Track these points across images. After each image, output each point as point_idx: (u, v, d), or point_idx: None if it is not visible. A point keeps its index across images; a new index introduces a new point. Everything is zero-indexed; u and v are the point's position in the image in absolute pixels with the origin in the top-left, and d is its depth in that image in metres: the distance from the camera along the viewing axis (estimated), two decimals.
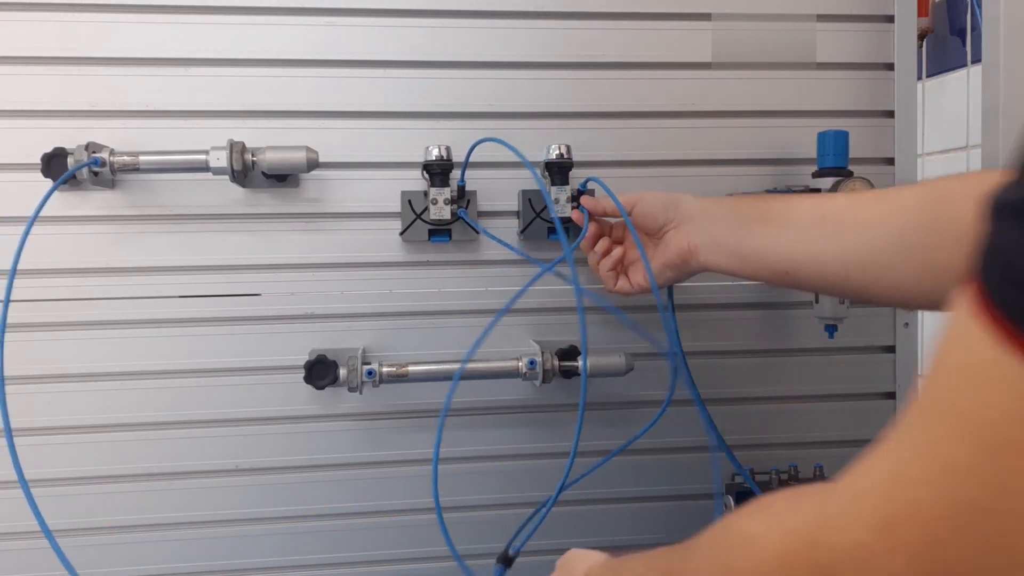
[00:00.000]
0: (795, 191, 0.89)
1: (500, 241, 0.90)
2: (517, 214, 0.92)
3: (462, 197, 0.88)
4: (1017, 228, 0.27)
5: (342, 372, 0.86)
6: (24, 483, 0.72)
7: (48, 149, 0.83)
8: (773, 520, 0.35)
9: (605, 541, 0.90)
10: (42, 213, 0.85)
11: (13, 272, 0.73)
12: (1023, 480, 0.26)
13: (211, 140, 0.84)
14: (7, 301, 0.74)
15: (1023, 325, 0.26)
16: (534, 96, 0.92)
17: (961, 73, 1.16)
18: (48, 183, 0.84)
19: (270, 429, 0.90)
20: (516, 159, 0.91)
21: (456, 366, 0.85)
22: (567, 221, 0.89)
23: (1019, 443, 0.26)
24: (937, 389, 0.30)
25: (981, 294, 0.28)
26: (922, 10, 1.12)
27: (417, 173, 0.89)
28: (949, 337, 0.29)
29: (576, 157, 0.88)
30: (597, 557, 0.63)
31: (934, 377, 0.30)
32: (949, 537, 0.28)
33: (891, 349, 0.99)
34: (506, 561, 0.80)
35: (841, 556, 0.31)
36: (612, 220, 0.86)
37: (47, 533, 0.72)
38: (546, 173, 0.89)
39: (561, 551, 0.94)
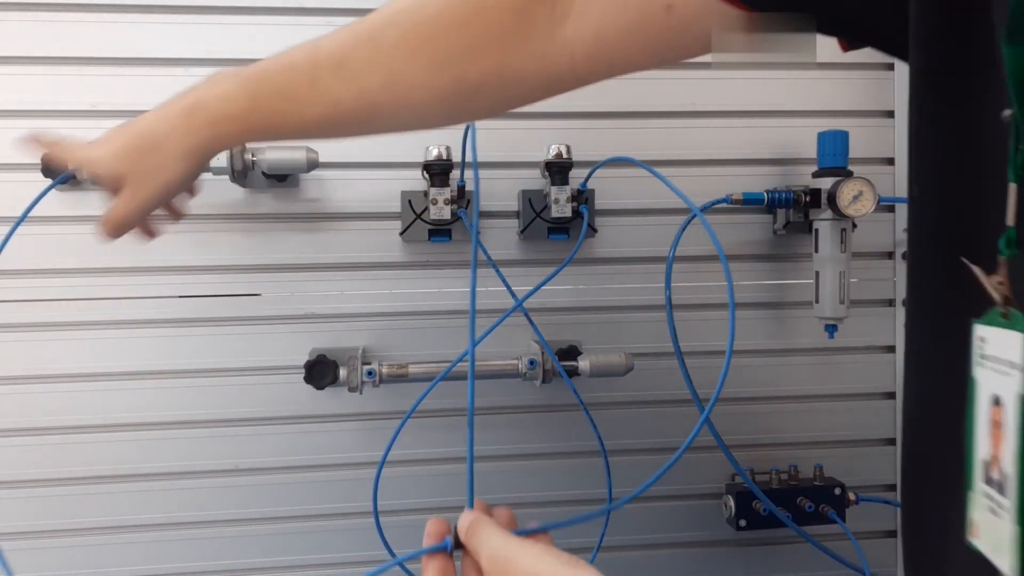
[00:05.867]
0: (795, 191, 0.89)
1: (485, 252, 0.90)
2: (517, 214, 0.92)
3: (462, 197, 0.88)
4: None
5: (342, 372, 0.86)
6: None
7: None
8: None
9: (606, 541, 0.90)
10: (41, 213, 0.85)
11: None
12: None
13: None
14: None
15: None
16: None
17: None
18: (48, 183, 0.84)
19: (270, 429, 0.90)
20: (516, 159, 0.91)
21: (457, 366, 0.85)
22: (566, 221, 0.90)
23: None
24: None
25: None
26: None
27: (417, 173, 0.89)
28: None
29: (576, 157, 0.88)
30: None
31: None
32: None
33: (891, 349, 0.99)
34: None
35: None
36: None
37: None
38: (546, 172, 0.89)
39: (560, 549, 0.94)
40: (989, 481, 0.30)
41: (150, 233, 0.69)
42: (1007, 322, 0.30)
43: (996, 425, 0.30)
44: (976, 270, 0.31)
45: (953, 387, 0.35)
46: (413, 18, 0.52)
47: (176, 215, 0.70)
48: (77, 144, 0.66)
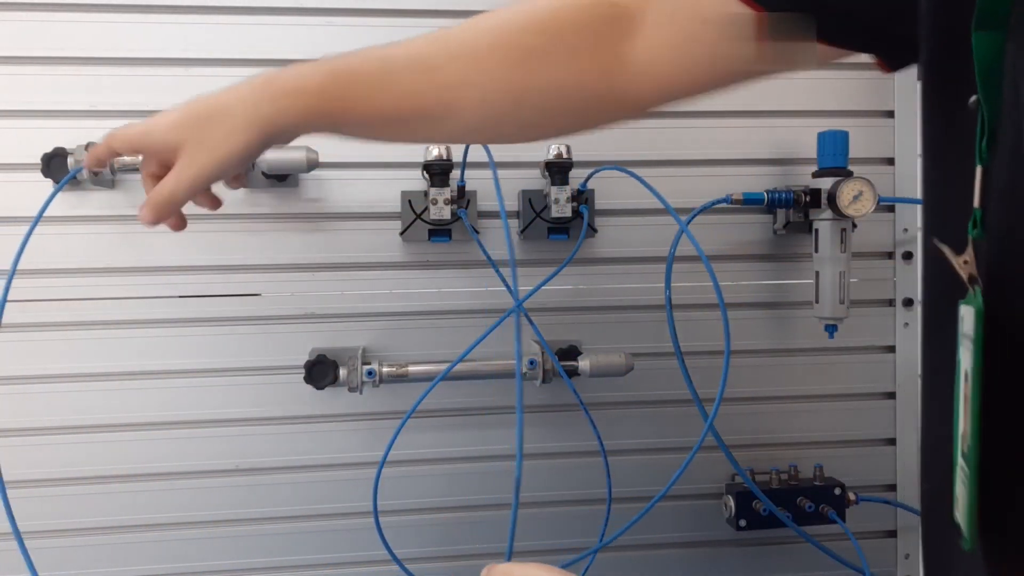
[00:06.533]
0: (795, 191, 0.89)
1: (486, 254, 0.90)
2: (517, 214, 0.93)
3: (462, 197, 0.88)
4: None
5: (342, 372, 0.86)
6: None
7: (48, 149, 0.83)
8: None
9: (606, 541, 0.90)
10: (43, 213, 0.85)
11: (12, 272, 0.73)
12: None
13: None
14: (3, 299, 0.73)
15: None
16: None
17: None
18: (48, 183, 0.84)
19: (270, 429, 0.90)
20: (516, 159, 0.91)
21: (457, 367, 0.85)
22: (566, 221, 0.90)
23: None
24: None
25: None
26: None
27: (417, 173, 0.89)
28: None
29: (576, 157, 0.88)
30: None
31: None
32: None
33: (891, 349, 0.99)
34: None
35: None
36: None
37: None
38: (546, 172, 0.89)
39: (561, 550, 0.95)
40: (963, 455, 0.30)
41: (181, 223, 0.65)
42: (971, 298, 0.31)
43: (965, 399, 0.31)
44: (946, 249, 0.32)
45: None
46: (490, 22, 0.56)
47: (214, 204, 0.66)
48: (133, 126, 0.60)
